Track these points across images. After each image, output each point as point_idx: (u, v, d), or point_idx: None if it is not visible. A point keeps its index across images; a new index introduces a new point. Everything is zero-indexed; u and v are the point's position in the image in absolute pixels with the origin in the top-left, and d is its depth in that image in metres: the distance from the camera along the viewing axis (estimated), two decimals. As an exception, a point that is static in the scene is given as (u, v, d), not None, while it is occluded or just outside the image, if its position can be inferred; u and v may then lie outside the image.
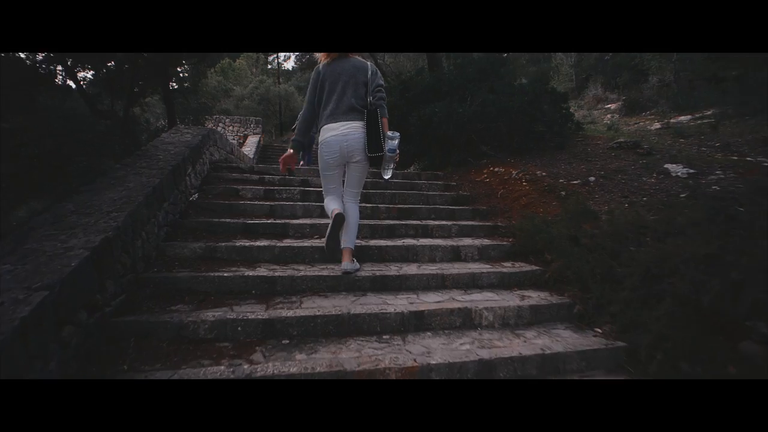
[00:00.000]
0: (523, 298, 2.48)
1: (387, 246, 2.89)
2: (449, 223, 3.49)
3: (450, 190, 4.50)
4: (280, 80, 22.80)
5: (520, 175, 4.44)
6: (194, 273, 2.29)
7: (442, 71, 7.46)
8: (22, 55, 4.95)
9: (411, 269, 2.68)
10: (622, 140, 5.58)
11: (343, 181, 2.57)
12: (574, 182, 4.13)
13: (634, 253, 2.51)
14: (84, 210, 2.08)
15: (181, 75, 10.04)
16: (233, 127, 14.24)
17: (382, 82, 2.46)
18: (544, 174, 4.39)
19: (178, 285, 2.20)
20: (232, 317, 1.92)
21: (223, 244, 2.63)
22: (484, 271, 2.71)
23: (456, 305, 2.26)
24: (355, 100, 2.34)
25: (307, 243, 2.83)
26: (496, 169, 4.84)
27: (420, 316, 2.16)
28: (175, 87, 9.64)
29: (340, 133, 2.33)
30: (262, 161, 10.81)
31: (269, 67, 29.00)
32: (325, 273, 2.44)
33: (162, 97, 6.87)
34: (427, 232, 3.36)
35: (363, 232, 3.13)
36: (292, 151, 2.46)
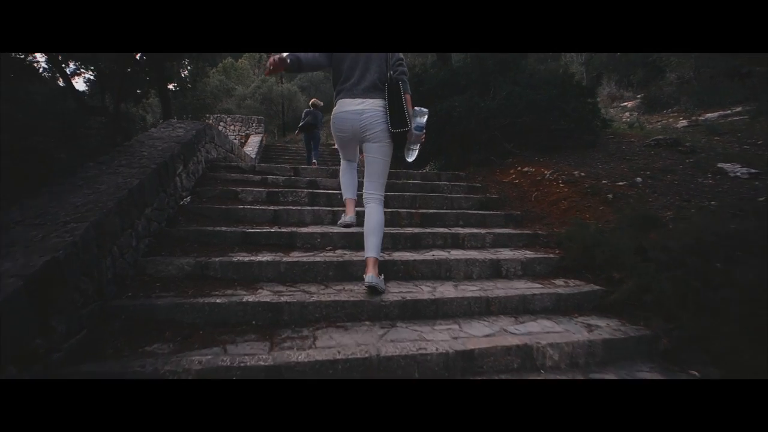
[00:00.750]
0: (590, 328, 1.99)
1: (414, 260, 2.40)
2: (482, 231, 2.99)
3: (476, 192, 4.00)
4: (283, 80, 22.36)
5: (555, 175, 3.94)
6: (179, 299, 1.80)
7: (451, 65, 6.98)
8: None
9: (447, 290, 2.19)
10: (660, 137, 5.07)
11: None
12: (620, 183, 3.62)
13: (728, 272, 2.01)
14: (33, 220, 1.60)
15: (182, 74, 9.62)
16: (235, 126, 13.79)
17: (402, 56, 2.11)
18: (582, 174, 3.89)
19: (158, 315, 1.72)
20: (225, 364, 1.43)
21: (218, 259, 2.14)
22: (536, 292, 2.22)
23: (512, 341, 1.76)
24: (378, 77, 2.06)
25: (319, 257, 2.34)
26: (525, 169, 4.34)
27: (469, 357, 1.66)
28: (177, 87, 9.22)
29: (355, 110, 2.04)
30: (265, 162, 10.35)
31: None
32: (342, 297, 1.95)
33: (158, 93, 6.38)
34: (457, 242, 2.86)
35: (384, 242, 2.62)
36: (287, 57, 1.95)
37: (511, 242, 2.98)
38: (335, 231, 2.67)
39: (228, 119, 13.90)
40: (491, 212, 3.45)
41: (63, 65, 5.67)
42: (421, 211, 3.25)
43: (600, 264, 2.42)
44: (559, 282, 2.46)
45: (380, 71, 2.07)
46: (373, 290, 1.98)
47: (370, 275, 1.98)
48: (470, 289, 2.22)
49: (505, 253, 2.73)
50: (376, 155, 2.11)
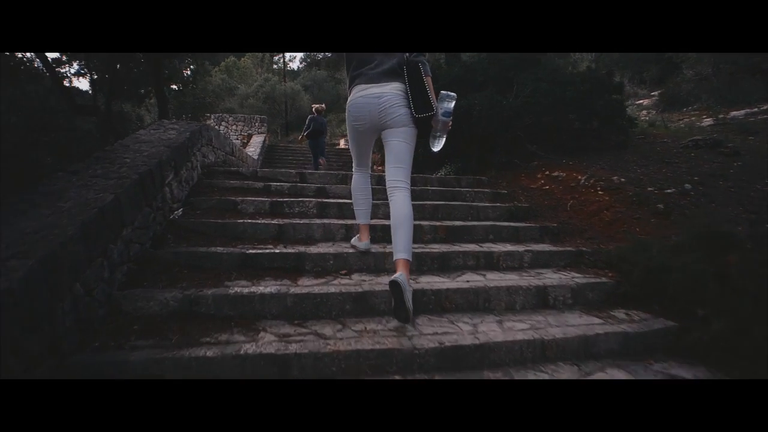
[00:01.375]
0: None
1: (447, 289, 2.00)
2: (518, 248, 2.59)
3: (502, 200, 3.59)
4: (286, 79, 21.99)
5: (591, 181, 3.53)
6: (159, 351, 1.41)
7: (462, 61, 6.57)
8: None
9: (491, 329, 1.79)
10: (698, 138, 4.65)
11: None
12: (668, 191, 3.21)
13: None
14: (-40, 256, 1.21)
15: (185, 73, 9.24)
16: (237, 125, 13.40)
17: None
18: (622, 180, 3.48)
19: (130, 376, 1.33)
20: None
21: (210, 291, 1.75)
22: (598, 330, 1.82)
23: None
24: (397, 61, 1.92)
25: (332, 286, 1.94)
26: (555, 174, 3.93)
27: None
28: (177, 87, 8.85)
29: (373, 94, 1.90)
30: (268, 163, 9.96)
31: (275, 67, 28.18)
32: (366, 344, 1.55)
33: (154, 92, 6.00)
34: (491, 261, 2.46)
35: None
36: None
37: (553, 261, 2.58)
38: (350, 251, 2.28)
39: (230, 119, 13.53)
40: (524, 224, 3.04)
41: (57, 66, 5.32)
42: (445, 223, 2.85)
43: (672, 293, 2.00)
44: (620, 314, 2.05)
45: (398, 56, 1.92)
46: (396, 287, 1.62)
47: (400, 273, 1.68)
48: (519, 327, 1.82)
49: (550, 277, 2.32)
50: (400, 138, 1.91)
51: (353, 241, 2.35)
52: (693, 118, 9.08)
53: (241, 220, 2.51)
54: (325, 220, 2.71)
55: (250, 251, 2.14)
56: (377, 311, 1.88)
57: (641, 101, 12.71)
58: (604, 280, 2.29)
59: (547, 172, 4.04)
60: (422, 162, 4.52)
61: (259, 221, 2.54)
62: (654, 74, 15.65)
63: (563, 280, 2.24)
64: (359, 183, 2.26)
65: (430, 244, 2.64)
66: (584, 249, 2.66)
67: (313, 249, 2.30)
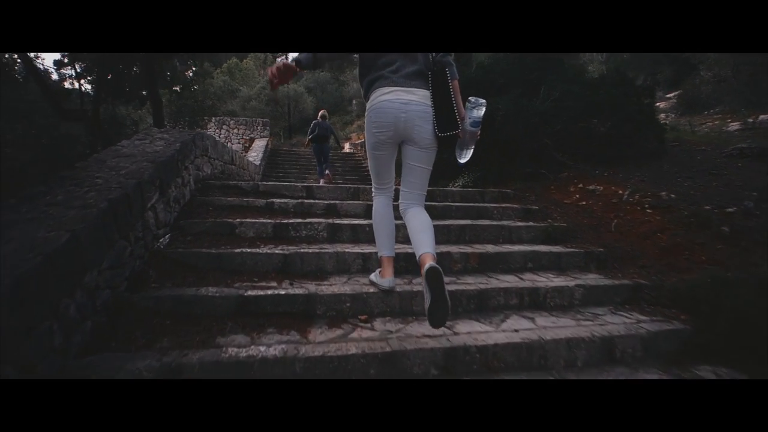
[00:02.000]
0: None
1: (494, 344, 1.59)
2: (568, 283, 2.18)
3: (534, 217, 3.19)
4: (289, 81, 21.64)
5: (636, 197, 3.13)
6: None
7: (475, 62, 6.19)
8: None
9: (558, 405, 1.39)
10: (743, 146, 4.23)
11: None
12: (729, 210, 2.80)
13: None
14: None
15: (187, 74, 8.91)
16: (238, 129, 13.03)
17: None
18: (672, 196, 3.07)
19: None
20: None
21: (197, 355, 1.36)
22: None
23: None
24: (423, 61, 1.71)
25: (352, 344, 1.54)
26: (591, 187, 3.53)
27: None
28: (175, 90, 8.48)
29: (400, 99, 1.65)
30: (271, 169, 9.57)
31: (277, 67, 27.79)
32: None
33: (148, 95, 5.63)
34: (537, 299, 2.06)
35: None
36: (294, 64, 1.63)
37: (607, 298, 2.17)
38: (370, 289, 1.88)
39: (231, 122, 13.17)
40: (564, 249, 2.63)
41: (52, 67, 4.94)
42: (476, 249, 2.45)
43: (779, 352, 1.60)
44: (706, 372, 1.65)
45: (422, 56, 1.71)
46: (434, 276, 1.42)
47: (430, 263, 1.47)
48: (592, 401, 1.42)
49: (611, 321, 1.92)
50: (421, 163, 1.75)
51: (373, 277, 1.96)
52: (717, 122, 8.68)
53: (239, 250, 2.11)
54: (338, 247, 2.31)
55: (250, 293, 1.74)
56: (411, 374, 1.48)
57: (659, 103, 12.29)
58: (677, 325, 1.88)
59: (581, 185, 3.64)
60: (437, 169, 4.14)
61: (261, 250, 2.15)
62: (668, 75, 15.23)
63: (629, 327, 1.83)
64: (382, 209, 1.89)
65: (462, 276, 2.24)
66: (642, 282, 2.25)
67: (326, 287, 1.90)
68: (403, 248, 2.23)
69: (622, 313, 2.04)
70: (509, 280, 2.19)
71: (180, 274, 1.91)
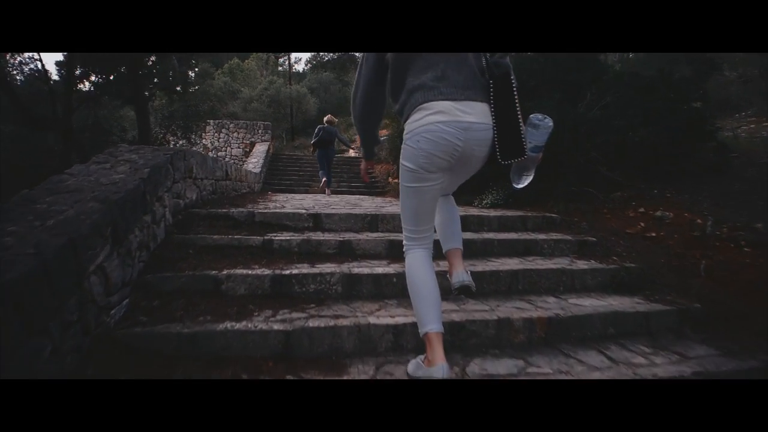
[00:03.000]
0: None
1: None
2: (683, 369, 1.58)
3: (593, 253, 2.58)
4: (291, 81, 21.06)
5: (724, 229, 2.52)
6: None
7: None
8: None
9: None
10: (824, 159, 3.61)
11: None
12: None
13: None
14: None
15: (190, 74, 8.33)
16: (238, 133, 12.43)
17: None
18: (770, 229, 2.46)
19: None
20: None
21: None
22: None
23: None
24: (476, 65, 1.31)
25: None
26: (657, 213, 2.91)
27: None
28: (176, 91, 7.91)
29: (456, 121, 1.22)
30: (272, 176, 8.97)
31: (280, 69, 27.28)
32: None
33: (132, 99, 5.03)
34: (644, 398, 1.45)
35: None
36: (365, 162, 1.61)
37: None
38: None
39: (231, 125, 12.57)
40: (649, 305, 2.02)
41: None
42: (542, 313, 1.84)
43: None
44: None
45: (478, 58, 1.33)
46: (466, 290, 1.40)
47: (460, 272, 1.42)
48: None
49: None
50: (460, 181, 1.51)
51: (413, 368, 1.37)
52: (752, 126, 8.09)
53: (223, 326, 1.51)
54: (357, 315, 1.70)
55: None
56: None
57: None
58: None
59: (642, 209, 3.03)
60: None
61: (254, 324, 1.54)
62: (686, 75, 14.59)
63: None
64: (422, 269, 1.36)
65: (530, 354, 1.63)
66: (772, 360, 1.65)
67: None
68: (447, 312, 1.63)
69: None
70: (596, 363, 1.58)
71: (135, 370, 1.31)
